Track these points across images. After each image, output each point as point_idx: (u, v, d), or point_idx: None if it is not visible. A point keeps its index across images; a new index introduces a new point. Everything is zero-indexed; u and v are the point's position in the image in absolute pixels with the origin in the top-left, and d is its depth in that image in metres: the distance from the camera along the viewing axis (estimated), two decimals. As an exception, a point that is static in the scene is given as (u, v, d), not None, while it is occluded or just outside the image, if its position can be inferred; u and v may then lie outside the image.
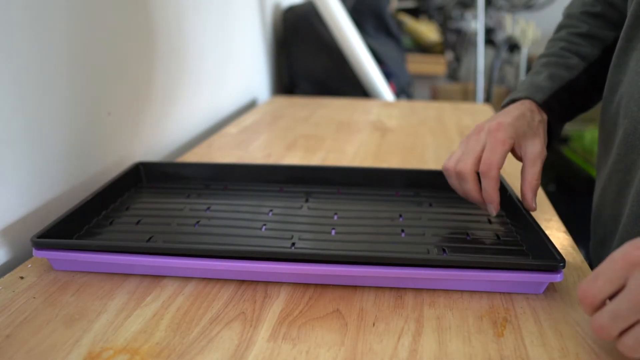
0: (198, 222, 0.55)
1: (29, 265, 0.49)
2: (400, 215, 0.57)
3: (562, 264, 0.42)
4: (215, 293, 0.45)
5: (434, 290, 0.45)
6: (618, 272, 0.33)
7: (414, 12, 2.76)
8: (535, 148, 0.52)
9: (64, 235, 0.49)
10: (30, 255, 0.51)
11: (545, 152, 0.52)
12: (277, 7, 1.50)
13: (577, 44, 0.61)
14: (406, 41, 2.37)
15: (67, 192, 0.61)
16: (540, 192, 0.68)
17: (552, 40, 0.64)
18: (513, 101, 0.58)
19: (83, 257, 0.46)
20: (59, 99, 0.59)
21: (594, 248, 0.60)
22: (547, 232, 0.50)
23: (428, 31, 2.55)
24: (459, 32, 2.62)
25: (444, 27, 2.61)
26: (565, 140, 2.12)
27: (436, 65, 2.42)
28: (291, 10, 1.50)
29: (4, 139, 0.51)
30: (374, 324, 0.41)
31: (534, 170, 0.51)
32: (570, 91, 0.59)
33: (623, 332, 0.33)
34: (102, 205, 0.57)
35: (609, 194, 0.54)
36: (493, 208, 0.51)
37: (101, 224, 0.54)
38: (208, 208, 0.58)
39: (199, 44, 0.96)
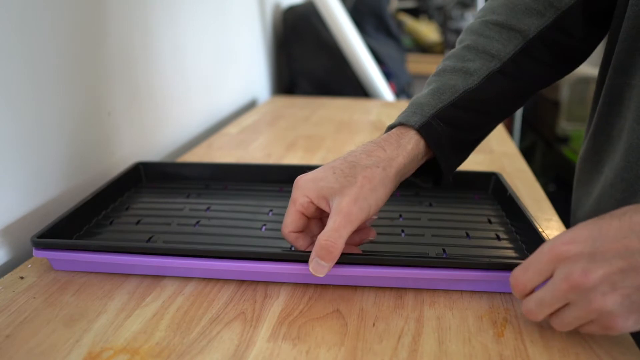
0: (198, 222, 0.55)
1: (29, 265, 0.49)
2: (400, 216, 0.57)
3: None
4: (215, 293, 0.45)
5: (434, 290, 0.45)
6: (545, 265, 0.36)
7: (414, 12, 2.76)
8: (341, 203, 0.41)
9: (64, 235, 0.49)
10: (30, 255, 0.51)
11: (362, 212, 0.41)
12: (277, 7, 1.50)
13: (488, 37, 0.50)
14: (406, 41, 2.37)
15: (67, 192, 0.61)
16: (541, 192, 0.68)
17: (463, 33, 0.53)
18: (391, 128, 0.48)
19: (83, 257, 0.46)
20: (59, 99, 0.59)
21: None
22: (547, 232, 0.50)
23: (428, 31, 2.55)
24: (459, 32, 2.62)
25: (444, 27, 2.60)
26: (565, 140, 2.12)
27: (436, 65, 2.42)
28: (291, 10, 1.50)
29: (4, 138, 0.51)
30: (374, 324, 0.41)
31: (330, 225, 0.41)
32: (465, 106, 0.48)
33: (552, 314, 0.37)
34: (102, 205, 0.57)
35: (609, 203, 0.50)
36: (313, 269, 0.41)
37: (101, 223, 0.54)
38: (208, 208, 0.58)
39: (199, 44, 0.96)
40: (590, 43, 0.54)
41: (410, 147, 0.46)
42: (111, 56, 0.68)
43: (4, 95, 0.51)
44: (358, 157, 0.44)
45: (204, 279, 0.47)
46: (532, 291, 0.38)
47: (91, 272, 0.48)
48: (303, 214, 0.44)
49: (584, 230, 0.35)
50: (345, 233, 0.41)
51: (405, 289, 0.45)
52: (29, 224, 0.55)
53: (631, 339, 0.39)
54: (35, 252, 0.47)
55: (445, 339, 0.39)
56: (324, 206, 0.43)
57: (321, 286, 0.46)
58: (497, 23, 0.50)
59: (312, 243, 0.44)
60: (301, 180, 0.44)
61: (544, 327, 0.40)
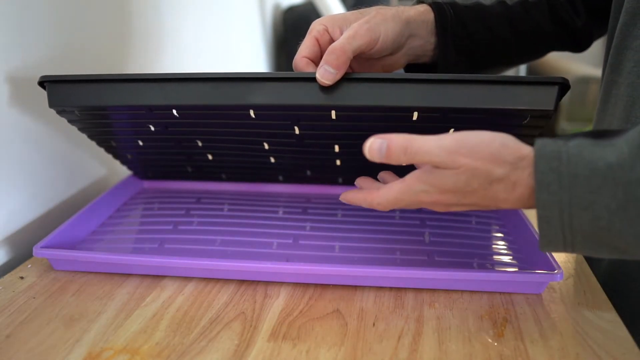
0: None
1: (29, 266, 0.49)
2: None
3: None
4: (215, 293, 0.45)
5: (434, 290, 0.45)
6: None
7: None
8: (350, 28, 0.44)
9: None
10: (30, 255, 0.51)
11: (370, 33, 0.44)
12: (277, 7, 1.50)
13: None
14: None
15: (70, 199, 0.61)
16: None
17: None
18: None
19: (83, 257, 0.46)
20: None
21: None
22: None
23: (428, 31, 2.55)
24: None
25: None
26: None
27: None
28: (291, 10, 1.50)
29: (6, 143, 0.51)
30: (374, 324, 0.41)
31: (342, 37, 0.43)
32: (475, 13, 0.51)
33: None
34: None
35: None
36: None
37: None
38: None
39: (199, 44, 0.96)
40: (591, 31, 0.55)
41: (421, 9, 0.49)
42: (111, 57, 0.68)
43: (6, 100, 0.51)
44: (370, 8, 0.47)
45: (204, 279, 0.47)
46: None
47: (91, 272, 0.48)
48: (317, 40, 0.45)
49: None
50: (353, 42, 0.42)
51: (405, 289, 0.45)
52: (32, 230, 0.55)
53: (631, 339, 0.39)
54: (35, 252, 0.47)
55: (445, 339, 0.39)
56: (337, 36, 0.45)
57: (321, 286, 0.46)
58: None
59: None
60: (321, 18, 0.46)
61: (544, 327, 0.40)
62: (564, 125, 2.11)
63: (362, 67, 0.49)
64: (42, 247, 0.46)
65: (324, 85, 0.42)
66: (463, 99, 0.41)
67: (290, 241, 0.51)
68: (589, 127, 0.60)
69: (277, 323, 0.41)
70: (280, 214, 0.57)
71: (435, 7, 0.49)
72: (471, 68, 0.53)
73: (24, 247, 0.55)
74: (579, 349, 0.38)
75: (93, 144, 0.58)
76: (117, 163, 0.65)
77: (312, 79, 0.42)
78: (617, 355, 0.37)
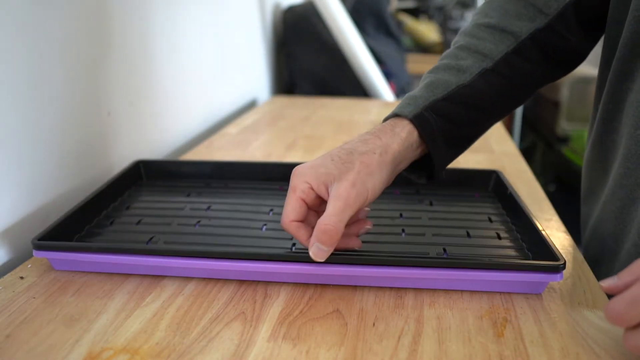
0: (199, 222, 0.55)
1: (29, 265, 0.49)
2: (401, 214, 0.57)
3: (562, 264, 0.42)
4: (215, 293, 0.45)
5: (434, 290, 0.45)
6: None
7: (414, 12, 2.77)
8: (339, 188, 0.41)
9: (64, 237, 0.49)
10: (30, 255, 0.51)
11: (359, 198, 0.42)
12: (277, 7, 1.50)
13: (480, 38, 0.51)
14: (406, 41, 2.37)
15: (68, 192, 0.61)
16: (541, 192, 0.68)
17: (457, 35, 0.54)
18: (385, 120, 0.49)
19: (83, 257, 0.46)
20: (59, 99, 0.59)
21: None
22: (547, 232, 0.50)
23: (428, 31, 2.56)
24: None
25: (444, 27, 2.61)
26: (565, 140, 2.12)
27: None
28: (291, 10, 1.50)
29: (3, 139, 0.51)
30: (374, 324, 0.41)
31: (329, 210, 0.41)
32: (458, 101, 0.49)
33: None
34: (103, 205, 0.57)
35: (610, 210, 0.50)
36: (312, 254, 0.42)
37: (102, 223, 0.54)
38: (208, 207, 0.58)
39: (199, 44, 0.96)
40: (586, 46, 0.54)
41: (404, 135, 0.47)
42: (111, 56, 0.68)
43: (4, 96, 0.51)
44: (355, 145, 0.45)
45: (204, 279, 0.47)
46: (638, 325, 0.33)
47: (91, 272, 0.48)
48: (304, 201, 0.43)
49: None
50: (344, 217, 0.41)
51: (405, 289, 0.45)
52: (30, 224, 0.55)
53: (631, 339, 0.39)
54: (35, 252, 0.47)
55: (445, 339, 0.39)
56: (323, 193, 0.43)
57: (321, 286, 0.46)
58: (489, 25, 0.51)
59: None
60: (300, 168, 0.44)
61: (544, 327, 0.40)
62: (563, 125, 2.11)
63: None
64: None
65: (317, 261, 0.41)
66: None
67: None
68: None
69: (277, 323, 0.41)
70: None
71: (417, 121, 0.47)
72: (467, 148, 0.53)
73: (21, 244, 0.55)
74: (579, 349, 0.38)
75: (91, 141, 0.58)
76: (115, 158, 0.65)
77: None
78: (617, 355, 0.37)
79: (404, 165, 0.48)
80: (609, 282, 0.34)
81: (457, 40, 0.53)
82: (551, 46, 0.51)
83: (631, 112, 0.47)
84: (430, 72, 0.52)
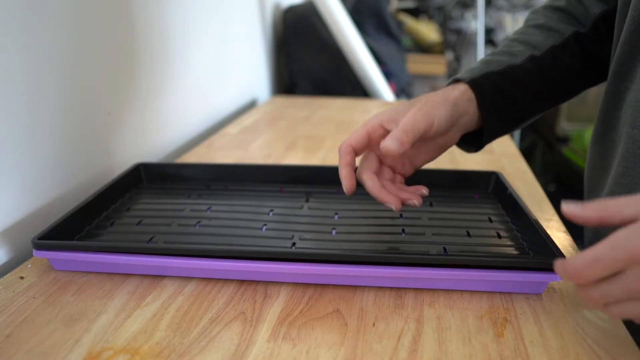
0: (199, 222, 0.55)
1: (29, 265, 0.49)
2: (401, 215, 0.57)
3: None
4: (215, 293, 0.45)
5: (434, 290, 0.45)
6: (619, 263, 0.33)
7: (414, 12, 2.77)
8: (407, 114, 0.46)
9: (64, 237, 0.49)
10: (30, 255, 0.51)
11: (426, 118, 0.46)
12: (277, 7, 1.50)
13: (529, 34, 0.58)
14: (406, 41, 2.37)
15: (68, 193, 0.61)
16: (541, 192, 0.68)
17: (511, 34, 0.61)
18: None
19: (83, 257, 0.46)
20: (59, 99, 0.59)
21: None
22: (547, 231, 0.50)
23: (428, 31, 2.56)
24: (459, 32, 2.62)
25: (444, 27, 2.61)
26: (565, 140, 2.12)
27: (436, 65, 2.43)
28: (291, 10, 1.50)
29: (3, 139, 0.51)
30: (374, 324, 0.41)
31: (402, 122, 0.45)
32: (510, 77, 0.54)
33: (611, 304, 0.35)
34: (103, 206, 0.57)
35: None
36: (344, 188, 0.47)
37: (102, 224, 0.54)
38: (209, 208, 0.59)
39: (199, 44, 0.96)
40: None
41: (463, 89, 0.52)
42: (111, 56, 0.68)
43: (4, 96, 0.51)
44: (419, 97, 0.50)
45: (204, 279, 0.47)
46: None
47: (91, 272, 0.48)
48: (369, 135, 0.47)
49: None
50: (415, 127, 0.45)
51: (405, 288, 0.45)
52: (30, 224, 0.55)
53: (631, 339, 0.39)
54: (35, 252, 0.47)
55: (445, 339, 0.39)
56: (392, 128, 0.47)
57: (321, 286, 0.46)
58: (537, 25, 0.58)
59: (353, 175, 0.47)
60: (381, 111, 0.49)
61: (544, 327, 0.40)
62: (564, 125, 2.11)
63: (418, 148, 0.51)
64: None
65: (388, 152, 0.44)
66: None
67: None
68: (589, 128, 0.60)
69: (277, 323, 0.41)
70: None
71: (474, 84, 0.52)
72: (514, 127, 0.58)
73: (21, 244, 0.55)
74: (579, 349, 0.38)
75: (91, 141, 0.58)
76: (115, 158, 0.65)
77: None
78: (617, 355, 0.37)
79: (464, 120, 0.51)
80: (571, 208, 0.36)
81: (508, 37, 0.60)
82: (591, 47, 0.57)
83: (629, 112, 0.47)
84: (487, 55, 0.57)
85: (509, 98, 0.54)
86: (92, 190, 0.63)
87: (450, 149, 0.54)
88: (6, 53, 0.51)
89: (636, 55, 0.47)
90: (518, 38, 0.57)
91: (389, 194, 0.47)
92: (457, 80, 0.53)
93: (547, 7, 0.60)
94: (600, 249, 0.34)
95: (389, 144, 0.44)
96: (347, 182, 0.47)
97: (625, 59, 0.49)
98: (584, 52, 0.57)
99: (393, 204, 0.46)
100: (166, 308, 0.43)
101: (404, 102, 0.49)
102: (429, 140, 0.50)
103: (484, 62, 0.55)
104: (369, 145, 0.48)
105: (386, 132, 0.47)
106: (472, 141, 0.56)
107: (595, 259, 0.33)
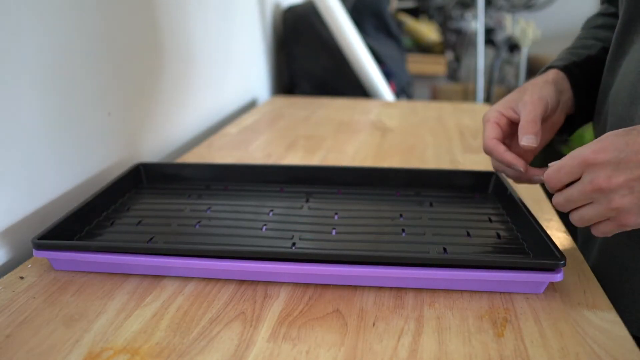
0: (199, 222, 0.55)
1: (29, 265, 0.49)
2: (401, 215, 0.57)
3: (562, 263, 0.43)
4: (215, 293, 0.45)
5: (434, 290, 0.45)
6: (575, 168, 0.42)
7: (414, 12, 2.76)
8: (525, 103, 0.51)
9: (64, 237, 0.49)
10: (30, 255, 0.51)
11: (542, 100, 0.51)
12: (277, 7, 1.50)
13: (594, 32, 0.62)
14: (406, 41, 2.37)
15: (68, 192, 0.61)
16: (541, 192, 0.68)
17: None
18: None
19: (83, 257, 0.46)
20: (59, 98, 0.59)
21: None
22: (547, 232, 0.50)
23: (428, 31, 2.55)
24: (459, 32, 2.62)
25: (444, 27, 2.61)
26: (565, 140, 2.12)
27: (436, 65, 2.43)
28: (291, 10, 1.50)
29: (3, 139, 0.51)
30: (374, 324, 0.41)
31: (523, 115, 0.51)
32: (590, 65, 0.58)
33: (574, 210, 0.44)
34: (103, 206, 0.57)
35: None
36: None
37: (102, 224, 0.54)
38: (208, 208, 0.58)
39: (199, 44, 0.96)
40: None
41: (554, 71, 0.56)
42: (112, 56, 0.68)
43: (4, 96, 0.51)
44: (521, 87, 0.55)
45: (204, 279, 0.47)
46: (561, 188, 0.44)
47: (91, 272, 0.48)
48: (498, 124, 0.52)
49: (612, 141, 0.40)
50: (537, 112, 0.50)
51: (405, 288, 0.45)
52: (30, 224, 0.55)
53: (631, 339, 0.39)
54: (35, 252, 0.47)
55: (445, 338, 0.39)
56: (511, 114, 0.52)
57: (321, 286, 0.46)
58: (597, 26, 0.62)
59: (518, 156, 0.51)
60: (497, 102, 0.54)
61: (544, 327, 0.40)
62: (564, 125, 2.11)
63: None
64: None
65: (530, 147, 0.49)
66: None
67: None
68: (589, 128, 0.61)
69: (277, 323, 0.41)
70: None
71: (562, 68, 0.56)
72: (586, 120, 0.60)
73: (21, 244, 0.55)
74: (579, 349, 0.38)
75: (91, 141, 0.58)
76: (115, 158, 0.65)
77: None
78: (617, 355, 0.37)
79: (565, 99, 0.55)
80: (550, 175, 0.44)
81: (578, 36, 0.64)
82: None
83: (611, 103, 0.51)
84: (564, 51, 0.61)
85: (593, 83, 0.58)
86: (92, 190, 0.63)
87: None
88: (6, 54, 0.51)
89: (621, 53, 0.50)
90: (586, 35, 0.61)
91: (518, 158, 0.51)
92: (547, 69, 0.58)
93: (599, 14, 0.63)
94: (563, 159, 0.42)
95: (526, 141, 0.49)
96: (518, 162, 0.50)
97: (613, 55, 0.52)
98: None
99: (522, 166, 0.50)
100: (166, 308, 0.43)
101: (513, 92, 0.55)
102: (544, 122, 0.53)
103: (568, 53, 0.59)
104: (502, 132, 0.52)
105: (508, 120, 0.52)
106: (564, 129, 0.60)
107: (559, 167, 0.43)
